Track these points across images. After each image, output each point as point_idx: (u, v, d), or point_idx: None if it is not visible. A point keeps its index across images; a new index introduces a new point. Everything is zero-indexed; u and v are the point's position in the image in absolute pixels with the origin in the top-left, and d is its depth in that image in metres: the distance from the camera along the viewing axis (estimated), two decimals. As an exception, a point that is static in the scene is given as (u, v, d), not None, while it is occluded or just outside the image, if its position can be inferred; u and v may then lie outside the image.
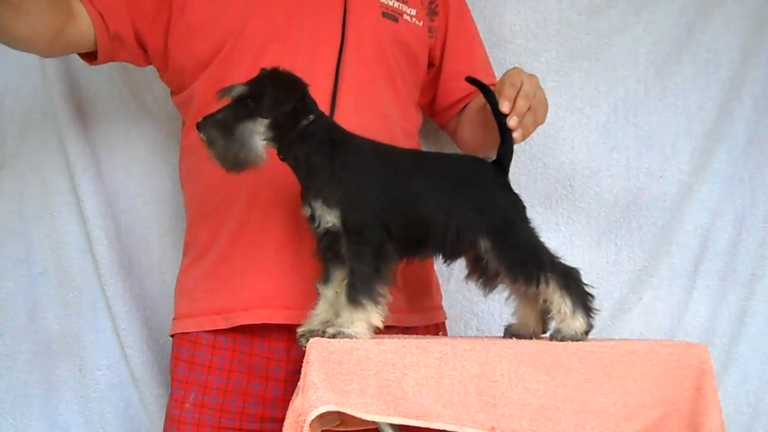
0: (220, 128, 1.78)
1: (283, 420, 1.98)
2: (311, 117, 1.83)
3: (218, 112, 1.80)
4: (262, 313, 2.01)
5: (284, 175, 1.88)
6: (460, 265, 1.98)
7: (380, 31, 2.11)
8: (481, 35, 2.43)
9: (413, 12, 2.18)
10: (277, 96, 1.79)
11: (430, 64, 2.26)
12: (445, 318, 2.26)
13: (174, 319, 2.14)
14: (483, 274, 1.90)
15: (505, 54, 2.48)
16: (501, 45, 2.49)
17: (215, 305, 2.05)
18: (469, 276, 1.92)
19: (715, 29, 2.51)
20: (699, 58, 2.52)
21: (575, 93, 2.49)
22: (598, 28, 2.50)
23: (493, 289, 1.90)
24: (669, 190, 2.50)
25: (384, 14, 2.13)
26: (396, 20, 2.14)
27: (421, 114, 2.28)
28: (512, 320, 1.92)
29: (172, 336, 2.13)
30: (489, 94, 1.96)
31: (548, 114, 2.08)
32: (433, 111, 2.33)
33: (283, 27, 2.05)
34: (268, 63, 1.86)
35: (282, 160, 1.85)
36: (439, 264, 1.99)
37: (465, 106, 2.28)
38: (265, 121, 1.79)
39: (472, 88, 2.17)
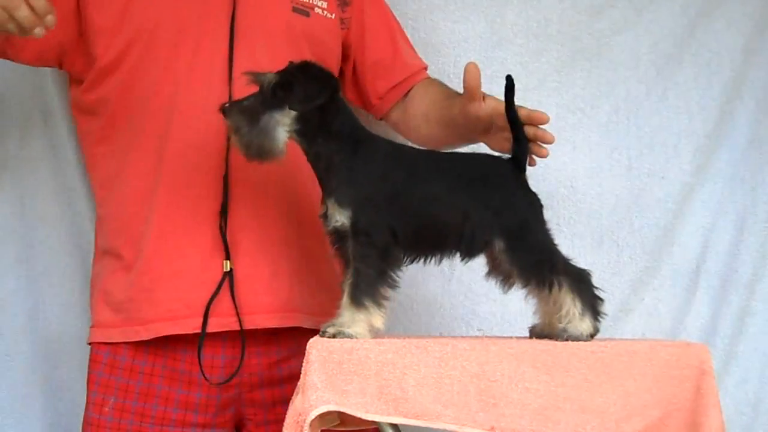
0: (246, 116, 1.78)
1: (204, 425, 2.01)
2: (340, 115, 1.83)
3: (245, 99, 1.80)
4: (188, 323, 1.97)
5: (204, 184, 1.94)
6: (461, 266, 1.97)
7: (292, 27, 2.08)
8: (482, 35, 2.44)
9: (324, 5, 2.15)
10: (309, 89, 1.79)
11: (346, 56, 2.23)
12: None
13: (93, 327, 2.07)
14: (500, 274, 1.89)
15: (507, 54, 2.48)
16: (502, 45, 2.49)
17: (139, 315, 1.99)
18: (488, 274, 1.90)
19: (717, 29, 2.52)
20: (700, 59, 2.52)
21: (576, 93, 2.49)
22: (599, 28, 2.50)
23: (512, 287, 1.88)
24: (670, 191, 2.51)
25: (294, 9, 2.10)
26: (307, 14, 2.12)
27: None
28: (535, 320, 1.89)
29: (90, 344, 2.07)
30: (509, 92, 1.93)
31: (549, 114, 2.06)
32: (368, 103, 2.27)
33: (194, 27, 2.02)
34: (183, 65, 1.95)
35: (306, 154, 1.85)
36: (439, 265, 1.97)
37: (406, 94, 2.24)
38: (293, 114, 1.79)
39: (409, 72, 2.21)
